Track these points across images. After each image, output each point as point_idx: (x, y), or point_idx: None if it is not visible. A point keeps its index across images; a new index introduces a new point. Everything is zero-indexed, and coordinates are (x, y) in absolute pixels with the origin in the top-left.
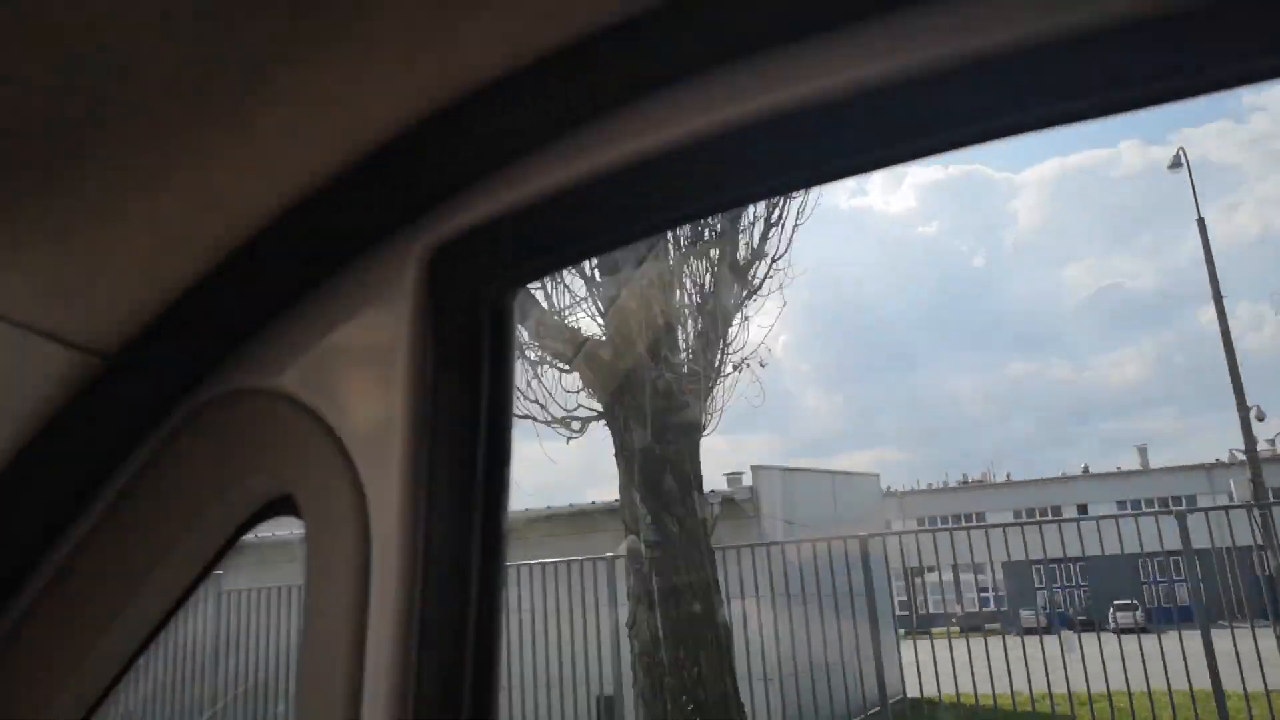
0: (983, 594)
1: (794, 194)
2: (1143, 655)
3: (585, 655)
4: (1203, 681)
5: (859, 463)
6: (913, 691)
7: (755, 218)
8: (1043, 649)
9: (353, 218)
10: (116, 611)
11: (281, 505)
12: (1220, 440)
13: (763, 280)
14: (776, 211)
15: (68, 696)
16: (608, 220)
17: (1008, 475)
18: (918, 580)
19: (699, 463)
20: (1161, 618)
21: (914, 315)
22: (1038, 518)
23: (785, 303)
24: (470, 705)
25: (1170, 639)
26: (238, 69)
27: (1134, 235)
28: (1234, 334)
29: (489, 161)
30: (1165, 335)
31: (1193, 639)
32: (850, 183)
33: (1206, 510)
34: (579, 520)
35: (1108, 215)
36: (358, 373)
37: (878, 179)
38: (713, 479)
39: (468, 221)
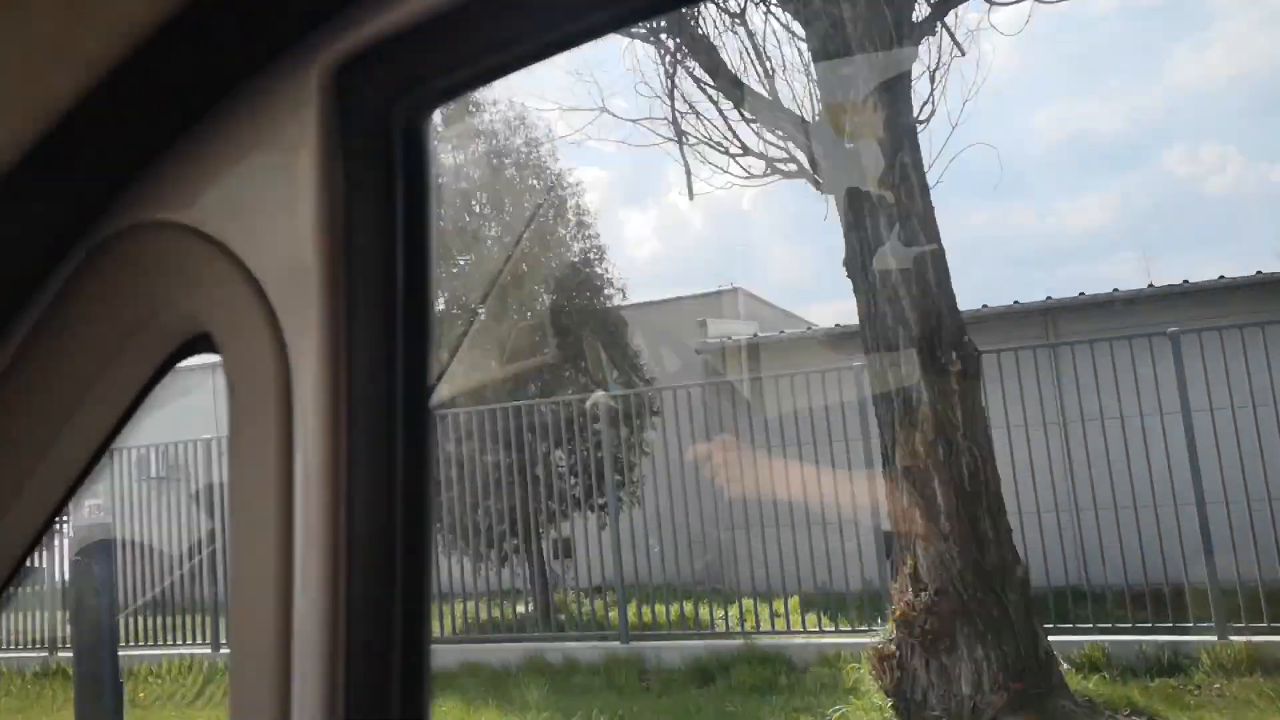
0: None
1: None
2: None
3: None
4: None
5: (822, 313)
6: None
7: None
8: None
9: (243, 29)
10: (37, 464)
11: (199, 344)
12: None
13: None
14: None
15: None
16: (537, 26)
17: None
18: None
19: None
20: None
21: None
22: None
23: None
24: (403, 533)
25: None
26: None
27: (1104, 77)
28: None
29: None
30: (1130, 179)
31: None
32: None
33: None
34: None
35: (1079, 56)
36: (265, 203)
37: None
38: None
39: (373, 32)
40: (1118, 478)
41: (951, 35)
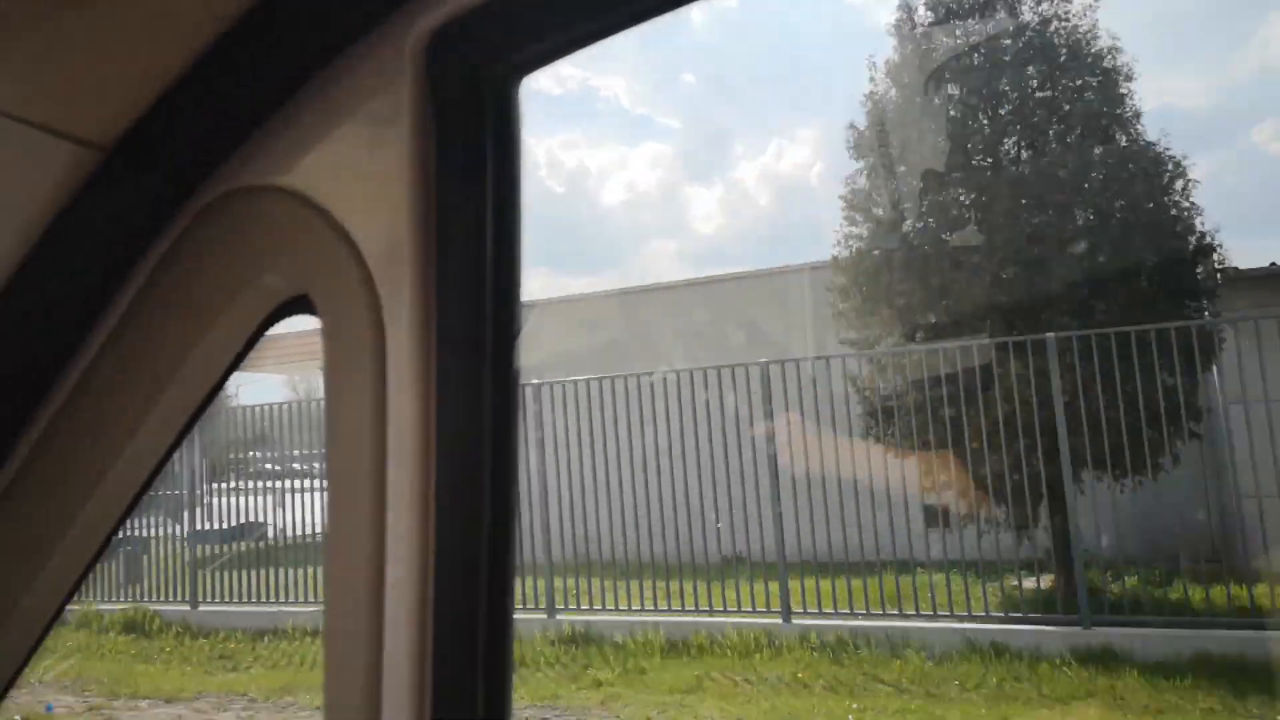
0: None
1: None
2: None
3: None
4: None
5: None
6: None
7: None
8: None
9: (341, 1)
10: (144, 415)
11: (297, 304)
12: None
13: None
14: None
15: (98, 502)
16: None
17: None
18: None
19: None
20: None
21: None
22: None
23: None
24: (490, 497)
25: None
26: None
27: (1191, 49)
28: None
29: None
30: (1218, 155)
31: None
32: (892, 5)
33: None
34: None
35: (1165, 27)
36: (362, 169)
37: None
38: None
39: (464, 2)
40: None
41: None
